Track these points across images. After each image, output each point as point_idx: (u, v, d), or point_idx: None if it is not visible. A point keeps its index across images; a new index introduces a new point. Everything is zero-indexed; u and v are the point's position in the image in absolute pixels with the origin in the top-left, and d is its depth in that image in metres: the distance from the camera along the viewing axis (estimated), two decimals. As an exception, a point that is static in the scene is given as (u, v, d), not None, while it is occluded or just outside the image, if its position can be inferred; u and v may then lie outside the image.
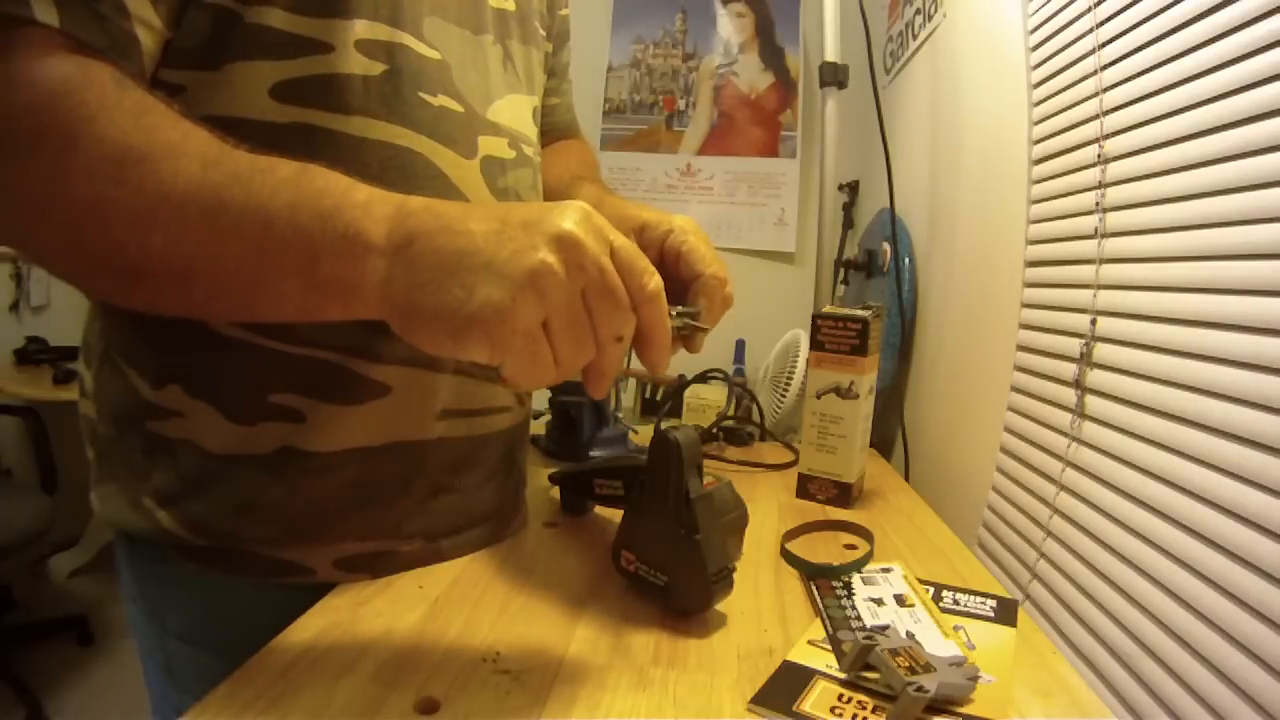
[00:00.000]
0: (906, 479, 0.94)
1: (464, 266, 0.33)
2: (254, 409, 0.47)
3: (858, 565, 0.57)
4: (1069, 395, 0.62)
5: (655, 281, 0.37)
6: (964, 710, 0.39)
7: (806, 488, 0.77)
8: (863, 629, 0.47)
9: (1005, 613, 0.50)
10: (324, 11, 0.44)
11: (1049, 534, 0.63)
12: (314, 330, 0.47)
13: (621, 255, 0.35)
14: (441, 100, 0.49)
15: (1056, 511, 0.62)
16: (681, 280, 0.49)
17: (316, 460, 0.48)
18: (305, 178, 0.36)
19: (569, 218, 0.34)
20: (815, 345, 0.75)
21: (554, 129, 0.75)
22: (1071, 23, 0.65)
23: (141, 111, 0.36)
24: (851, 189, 1.53)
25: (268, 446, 0.48)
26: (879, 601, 0.51)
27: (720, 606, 0.49)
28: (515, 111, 0.57)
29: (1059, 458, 0.63)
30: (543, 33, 0.65)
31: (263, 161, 0.36)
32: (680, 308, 0.45)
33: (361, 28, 0.45)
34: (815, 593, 0.53)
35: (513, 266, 0.33)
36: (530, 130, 0.59)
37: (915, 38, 1.17)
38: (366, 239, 0.35)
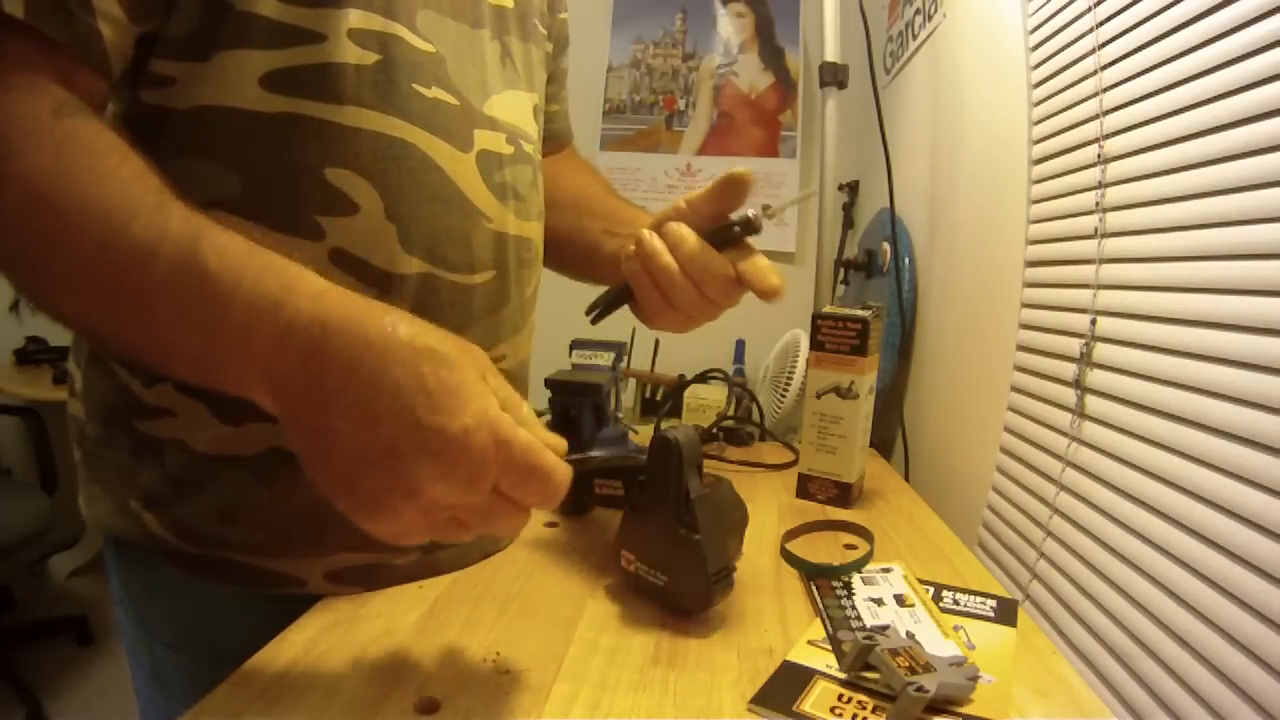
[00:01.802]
0: (906, 479, 0.94)
1: (336, 465, 0.33)
2: (241, 408, 0.47)
3: (858, 565, 0.57)
4: (1069, 395, 0.62)
5: (552, 486, 0.34)
6: (964, 710, 0.39)
7: (806, 488, 0.77)
8: (863, 629, 0.47)
9: (1005, 613, 0.50)
10: (318, 1, 0.44)
11: (1049, 534, 0.63)
12: None
13: (514, 475, 0.33)
14: (436, 92, 0.49)
15: (1056, 511, 0.62)
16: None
17: None
18: (190, 275, 0.34)
19: (432, 469, 0.32)
20: (815, 345, 0.75)
21: (552, 136, 0.75)
22: (1071, 23, 0.65)
23: (61, 150, 0.36)
24: (851, 189, 1.53)
25: (254, 448, 0.47)
26: (879, 601, 0.51)
27: (720, 606, 0.49)
28: (514, 107, 0.56)
29: (1059, 458, 0.63)
30: (544, 31, 0.64)
31: (155, 236, 0.34)
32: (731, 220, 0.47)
33: (355, 17, 0.45)
34: (815, 593, 0.53)
35: (371, 503, 0.33)
36: (530, 127, 0.59)
37: (915, 38, 1.17)
38: (241, 373, 0.35)
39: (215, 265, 0.34)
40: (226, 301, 0.33)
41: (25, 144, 0.35)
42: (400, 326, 0.33)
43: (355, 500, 0.33)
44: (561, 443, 0.36)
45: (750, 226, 0.46)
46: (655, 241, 0.47)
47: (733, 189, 0.46)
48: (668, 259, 0.47)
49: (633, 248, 0.49)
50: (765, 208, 0.47)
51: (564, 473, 0.34)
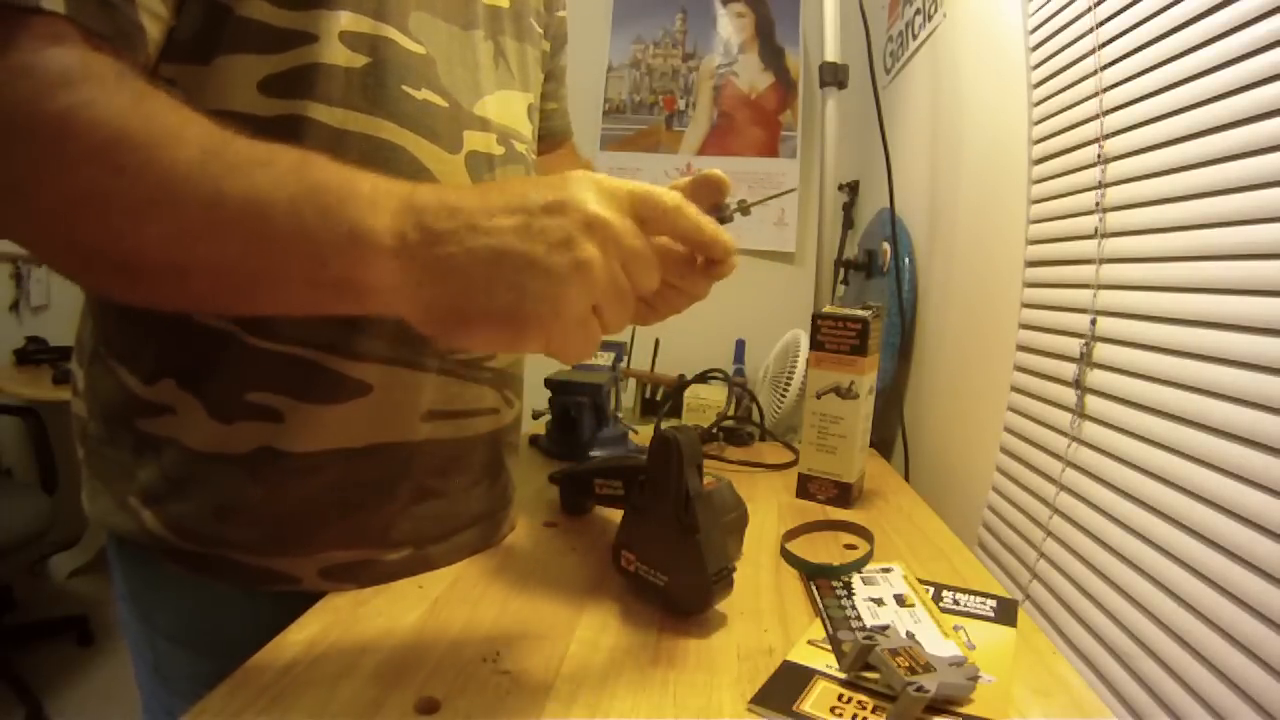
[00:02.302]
0: (906, 479, 0.94)
1: (506, 266, 0.33)
2: (232, 406, 0.47)
3: (858, 565, 0.57)
4: (1069, 395, 0.62)
5: (672, 197, 0.37)
6: (964, 710, 0.39)
7: (806, 488, 0.77)
8: (863, 629, 0.47)
9: (1005, 613, 0.50)
10: (309, 3, 0.44)
11: (1049, 534, 0.63)
12: (292, 326, 0.47)
13: (640, 202, 0.36)
14: (425, 94, 0.49)
15: (1056, 511, 0.62)
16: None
17: (296, 461, 0.48)
18: (307, 169, 0.34)
19: (589, 197, 0.34)
20: (815, 345, 0.75)
21: (550, 134, 0.75)
22: (1071, 23, 0.65)
23: (140, 98, 0.35)
24: (851, 189, 1.53)
25: (245, 446, 0.47)
26: (879, 601, 0.51)
27: (720, 606, 0.49)
28: (506, 108, 0.56)
29: (1059, 458, 0.63)
30: (540, 30, 0.64)
31: (263, 151, 0.35)
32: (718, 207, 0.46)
33: (346, 19, 0.45)
34: (815, 593, 0.53)
35: (555, 262, 0.33)
36: (524, 127, 0.59)
37: (915, 38, 1.17)
38: (374, 239, 0.33)
39: (330, 161, 0.35)
40: (350, 181, 0.34)
41: (98, 96, 0.33)
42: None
43: (545, 272, 0.33)
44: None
45: (719, 216, 0.46)
46: None
47: (709, 188, 0.46)
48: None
49: None
50: (741, 201, 0.47)
51: (674, 196, 0.37)
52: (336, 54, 0.45)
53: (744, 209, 0.47)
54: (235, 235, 0.34)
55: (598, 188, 0.35)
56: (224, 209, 0.33)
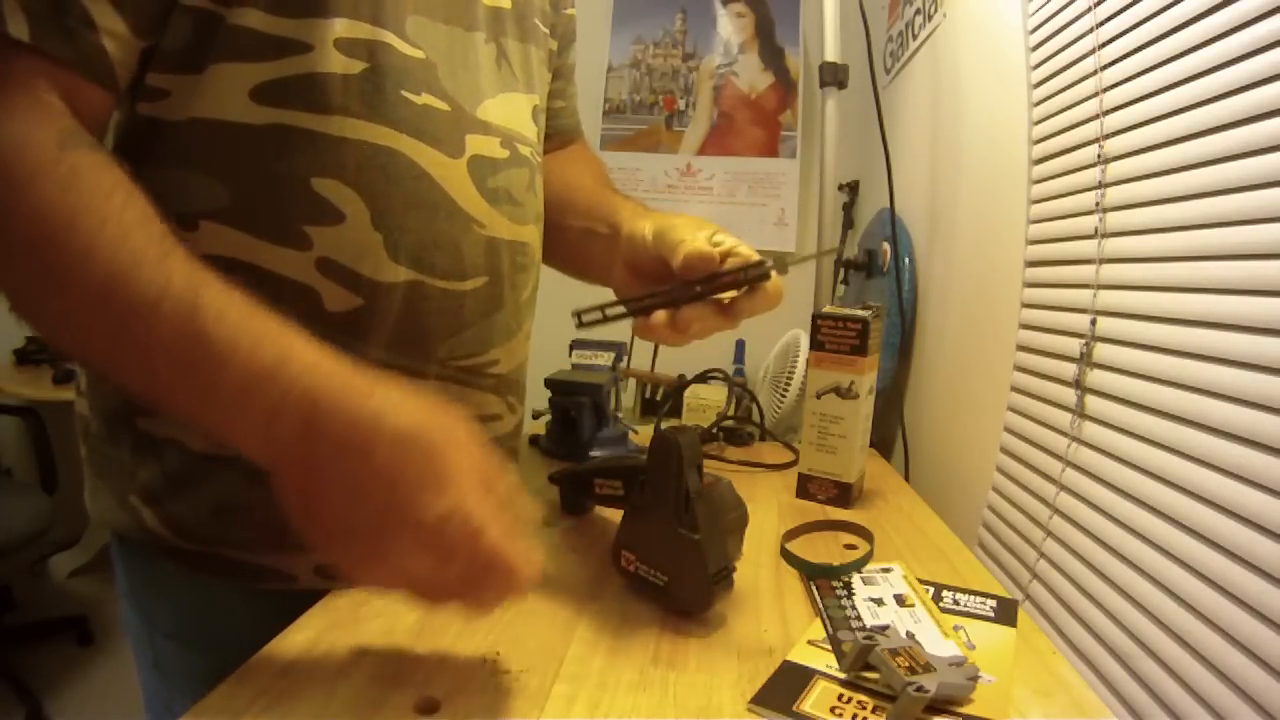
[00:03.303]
0: (906, 479, 0.94)
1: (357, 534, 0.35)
2: None
3: (858, 565, 0.57)
4: (1069, 395, 0.62)
5: (513, 586, 0.37)
6: (964, 710, 0.39)
7: (806, 488, 0.77)
8: (863, 629, 0.47)
9: (1005, 613, 0.50)
10: (303, 11, 0.44)
11: (1049, 534, 0.63)
12: None
13: (477, 568, 0.35)
14: (425, 99, 0.49)
15: (1056, 511, 0.62)
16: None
17: None
18: (186, 340, 0.35)
19: (406, 537, 0.34)
20: (815, 345, 0.75)
21: (559, 132, 0.74)
22: (1071, 23, 0.65)
23: (69, 185, 0.36)
24: (851, 189, 1.53)
25: None
26: (879, 601, 0.51)
27: (720, 606, 0.49)
28: (510, 110, 0.56)
29: (1059, 458, 0.63)
30: (545, 30, 0.64)
31: (156, 290, 0.35)
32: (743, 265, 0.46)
33: (341, 26, 0.45)
34: (815, 593, 0.53)
35: (352, 562, 0.36)
36: (528, 129, 0.59)
37: (915, 38, 1.17)
38: (240, 435, 0.36)
39: (213, 329, 0.35)
40: (222, 368, 0.34)
41: (32, 177, 0.35)
42: (388, 409, 0.35)
43: (338, 556, 0.36)
44: (535, 512, 0.39)
45: (759, 274, 0.45)
46: (654, 331, 0.48)
47: (699, 264, 0.47)
48: (665, 335, 0.48)
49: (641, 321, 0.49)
50: (779, 258, 0.46)
51: (530, 566, 0.36)
52: (332, 62, 0.45)
53: (782, 268, 0.46)
54: (134, 376, 0.37)
55: (436, 533, 0.34)
56: (121, 350, 0.36)
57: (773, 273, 0.45)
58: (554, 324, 0.93)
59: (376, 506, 0.34)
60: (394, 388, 0.36)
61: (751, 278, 0.45)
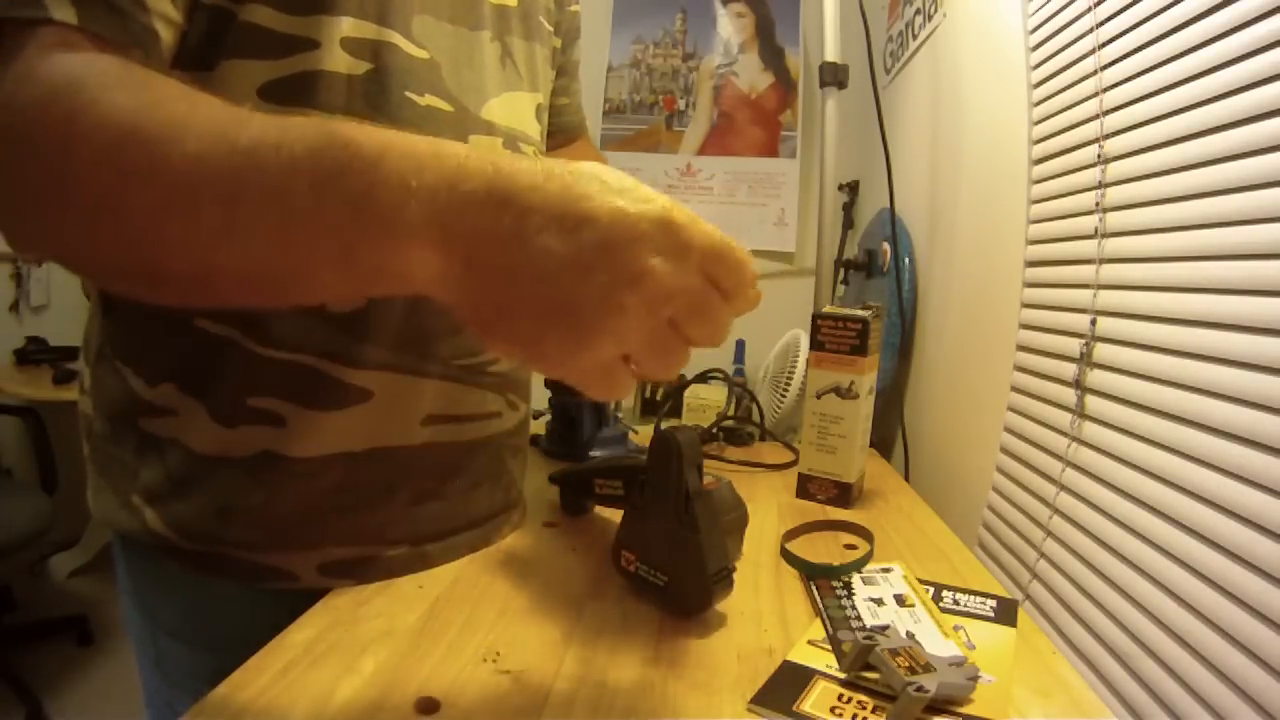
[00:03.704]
0: (906, 479, 0.94)
1: (542, 294, 0.30)
2: (235, 411, 0.47)
3: (858, 565, 0.57)
4: (1069, 395, 0.62)
5: (743, 256, 0.33)
6: (964, 710, 0.39)
7: (806, 488, 0.77)
8: (863, 629, 0.47)
9: (1005, 613, 0.50)
10: (311, 8, 0.44)
11: (1049, 534, 0.63)
12: (295, 333, 0.47)
13: (713, 259, 0.32)
14: (429, 100, 0.49)
15: (1056, 511, 0.62)
16: None
17: (297, 465, 0.48)
18: (330, 149, 0.30)
19: (649, 248, 0.30)
20: (815, 345, 0.75)
21: (563, 130, 0.74)
22: (1071, 23, 0.65)
23: (145, 86, 0.33)
24: (851, 189, 1.53)
25: (248, 450, 0.48)
26: (879, 601, 0.51)
27: (720, 606, 0.49)
28: (514, 109, 0.56)
29: (1059, 458, 0.63)
30: (549, 28, 0.64)
31: (276, 131, 0.31)
32: None
33: (348, 25, 0.45)
34: (815, 593, 0.53)
35: (593, 313, 0.30)
36: (531, 128, 0.59)
37: (915, 38, 1.17)
38: (407, 229, 0.30)
39: (358, 134, 0.30)
40: (379, 160, 0.30)
41: (101, 93, 0.32)
42: (589, 172, 0.31)
43: (575, 317, 0.30)
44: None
45: None
46: None
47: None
48: None
49: None
50: None
51: (751, 260, 0.33)
52: (338, 61, 0.45)
53: None
54: (256, 235, 0.31)
55: (663, 227, 0.30)
56: (243, 204, 0.31)
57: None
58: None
59: (602, 223, 0.29)
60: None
61: None
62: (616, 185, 0.31)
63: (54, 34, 0.34)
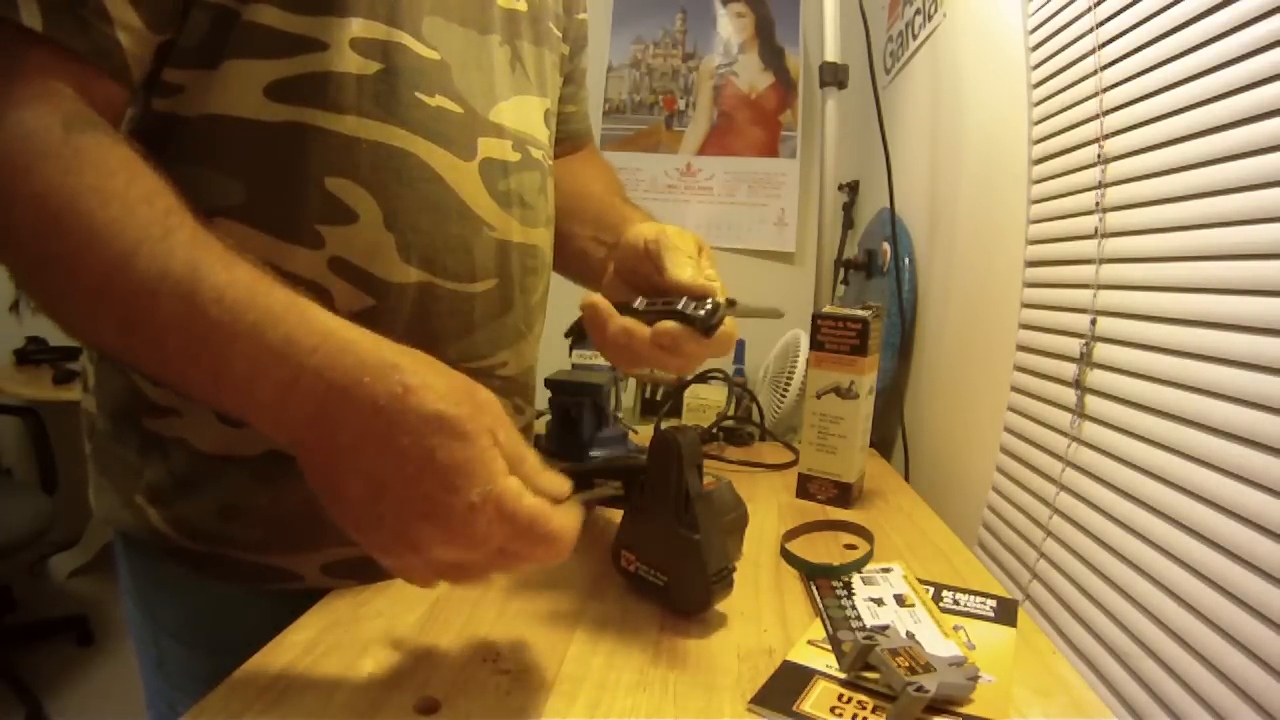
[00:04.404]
0: (906, 479, 0.94)
1: (372, 510, 0.34)
2: None
3: (858, 565, 0.57)
4: (1069, 395, 0.62)
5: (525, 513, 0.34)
6: (964, 710, 0.39)
7: (806, 488, 0.77)
8: (863, 629, 0.47)
9: (1005, 613, 0.50)
10: (319, 9, 0.44)
11: (1049, 534, 0.63)
12: None
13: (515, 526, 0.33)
14: (439, 101, 0.49)
15: (1056, 511, 0.62)
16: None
17: None
18: (198, 322, 0.34)
19: (433, 527, 0.32)
20: (815, 345, 0.75)
21: (569, 136, 0.74)
22: (1071, 23, 0.65)
23: (72, 168, 0.35)
24: (851, 189, 1.53)
25: (254, 449, 0.47)
26: (879, 601, 0.51)
27: (720, 606, 0.49)
28: (522, 113, 0.56)
29: (1059, 458, 0.63)
30: (558, 34, 0.64)
31: (159, 268, 0.34)
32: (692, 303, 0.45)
33: (358, 26, 0.45)
34: (815, 593, 0.53)
35: (378, 550, 0.34)
36: (540, 133, 0.59)
37: (915, 38, 1.17)
38: (258, 408, 0.35)
39: (214, 312, 0.33)
40: (227, 351, 0.33)
41: (35, 161, 0.35)
42: (409, 390, 0.32)
43: (365, 541, 0.34)
44: (565, 486, 0.36)
45: (696, 322, 0.44)
46: (597, 313, 0.47)
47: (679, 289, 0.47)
48: (602, 333, 0.47)
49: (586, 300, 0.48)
50: (730, 302, 0.46)
51: (570, 530, 0.34)
52: (348, 61, 0.45)
53: (733, 312, 0.46)
54: (147, 362, 0.37)
55: (452, 518, 0.32)
56: (133, 336, 0.35)
57: (709, 320, 0.44)
58: (555, 324, 0.94)
59: (400, 495, 0.32)
60: (417, 361, 0.34)
61: (688, 318, 0.45)
62: (442, 466, 0.32)
63: (19, 47, 0.36)
